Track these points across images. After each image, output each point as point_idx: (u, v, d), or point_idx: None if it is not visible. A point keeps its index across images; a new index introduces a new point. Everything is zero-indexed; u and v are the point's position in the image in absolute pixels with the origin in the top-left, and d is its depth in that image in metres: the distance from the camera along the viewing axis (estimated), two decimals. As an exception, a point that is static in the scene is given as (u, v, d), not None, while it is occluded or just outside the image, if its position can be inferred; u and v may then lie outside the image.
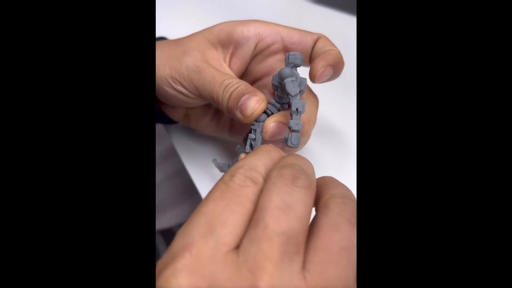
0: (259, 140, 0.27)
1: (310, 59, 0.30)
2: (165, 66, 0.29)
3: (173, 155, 0.40)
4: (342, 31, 0.45)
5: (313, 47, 0.29)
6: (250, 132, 0.28)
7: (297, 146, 0.24)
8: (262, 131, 0.27)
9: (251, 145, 0.28)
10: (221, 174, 0.29)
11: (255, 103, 0.26)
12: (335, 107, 0.40)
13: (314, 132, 0.32)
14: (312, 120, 0.28)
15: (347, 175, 0.35)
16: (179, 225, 0.52)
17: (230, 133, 0.34)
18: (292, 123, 0.24)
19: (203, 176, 0.37)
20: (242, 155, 0.27)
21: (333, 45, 0.29)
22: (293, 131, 0.24)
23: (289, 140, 0.24)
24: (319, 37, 0.29)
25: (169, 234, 0.50)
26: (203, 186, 0.36)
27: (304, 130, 0.27)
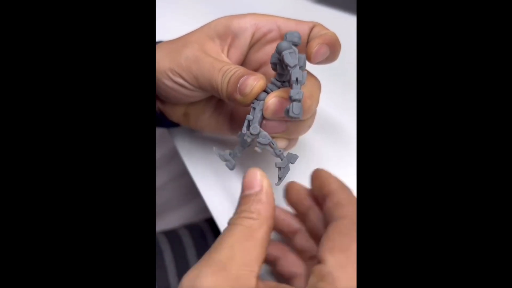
0: (257, 118, 0.26)
1: (307, 45, 0.30)
2: (164, 59, 0.30)
3: (177, 156, 0.40)
4: (343, 31, 0.45)
5: (309, 35, 0.29)
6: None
7: (299, 116, 0.24)
8: (262, 109, 0.26)
9: (248, 126, 0.27)
10: (223, 164, 0.29)
11: (253, 80, 0.26)
12: (336, 105, 0.40)
13: (314, 128, 0.32)
14: (315, 97, 0.27)
15: (347, 172, 0.35)
16: (184, 226, 0.52)
17: (230, 128, 0.34)
18: (293, 92, 0.24)
19: (205, 178, 0.37)
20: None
21: (329, 30, 0.29)
22: (294, 100, 0.24)
23: (290, 110, 0.24)
24: (314, 25, 0.30)
25: (173, 235, 0.51)
26: (205, 188, 0.36)
27: (306, 105, 0.26)
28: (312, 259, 0.27)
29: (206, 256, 0.21)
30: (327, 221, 0.25)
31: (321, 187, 0.27)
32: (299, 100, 0.24)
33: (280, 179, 0.25)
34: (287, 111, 0.24)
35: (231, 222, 0.23)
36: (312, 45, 0.27)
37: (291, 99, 0.24)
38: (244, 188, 0.24)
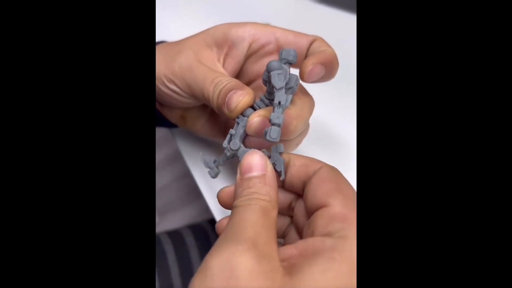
0: (239, 134, 0.27)
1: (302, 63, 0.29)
2: (160, 64, 0.30)
3: (180, 157, 0.40)
4: (346, 31, 0.45)
5: (308, 49, 0.29)
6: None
7: (276, 140, 0.24)
8: (245, 125, 0.26)
9: (229, 140, 0.27)
10: (225, 165, 0.29)
11: (238, 96, 0.26)
12: (336, 110, 0.40)
13: (312, 136, 0.31)
14: (302, 117, 0.26)
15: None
16: (187, 227, 0.53)
17: (224, 136, 0.34)
18: (273, 116, 0.24)
19: (207, 180, 0.37)
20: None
21: (329, 46, 0.29)
22: (273, 124, 0.24)
23: (268, 134, 0.24)
24: (315, 39, 0.29)
25: (177, 236, 0.51)
26: (207, 189, 0.37)
27: (291, 126, 0.26)
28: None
29: (229, 236, 0.21)
30: (299, 183, 0.25)
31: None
32: (278, 125, 0.24)
33: (281, 172, 0.24)
34: (265, 133, 0.24)
35: (241, 204, 0.22)
36: (307, 64, 0.26)
37: (270, 122, 0.24)
38: (244, 171, 0.24)
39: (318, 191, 0.23)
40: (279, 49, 0.30)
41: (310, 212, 0.23)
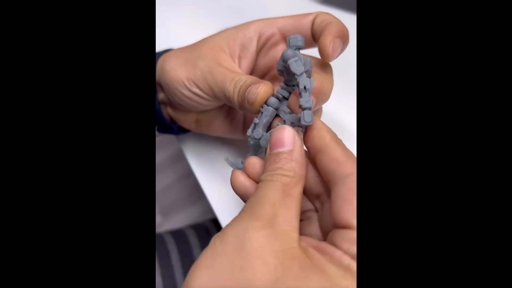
0: (262, 123, 0.27)
1: (313, 38, 0.30)
2: (181, 69, 0.31)
3: (183, 157, 0.40)
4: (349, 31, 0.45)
5: (312, 27, 0.30)
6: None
7: (311, 123, 0.24)
8: (268, 115, 0.27)
9: (253, 129, 0.28)
10: (227, 166, 0.29)
11: (256, 88, 0.27)
12: (336, 110, 0.40)
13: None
14: (330, 79, 0.28)
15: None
16: (190, 226, 0.53)
17: (243, 132, 0.35)
18: (302, 101, 0.24)
19: (210, 180, 0.37)
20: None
21: (333, 17, 0.29)
22: (304, 109, 0.24)
23: (302, 119, 0.24)
24: (316, 16, 0.30)
25: (180, 235, 0.51)
26: (210, 189, 0.37)
27: (323, 89, 0.27)
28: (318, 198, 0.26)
29: (247, 211, 0.21)
30: (326, 179, 0.24)
31: (312, 142, 0.25)
32: (309, 108, 0.24)
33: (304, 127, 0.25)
34: (299, 119, 0.24)
35: (265, 179, 0.23)
36: (326, 44, 0.27)
37: (301, 108, 0.24)
38: (273, 146, 0.24)
39: (344, 208, 0.21)
40: (282, 38, 0.31)
41: (333, 224, 0.22)
